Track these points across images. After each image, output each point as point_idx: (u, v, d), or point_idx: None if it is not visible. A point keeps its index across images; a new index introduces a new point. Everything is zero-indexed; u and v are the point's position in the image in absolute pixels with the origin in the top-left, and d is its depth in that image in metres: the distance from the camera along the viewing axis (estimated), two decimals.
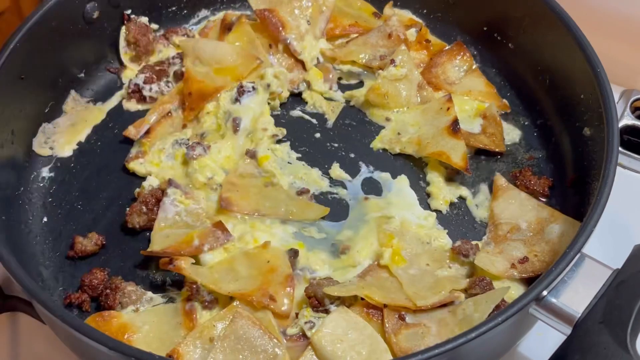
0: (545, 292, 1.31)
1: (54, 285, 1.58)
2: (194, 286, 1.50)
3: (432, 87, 1.88)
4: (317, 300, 1.48)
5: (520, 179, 1.70)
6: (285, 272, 1.52)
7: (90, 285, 1.54)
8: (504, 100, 1.88)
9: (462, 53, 1.93)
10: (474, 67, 1.94)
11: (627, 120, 1.93)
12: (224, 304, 1.50)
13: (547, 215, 1.60)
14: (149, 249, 1.57)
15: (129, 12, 1.96)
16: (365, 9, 2.07)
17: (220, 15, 2.06)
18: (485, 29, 1.96)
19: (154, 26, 2.01)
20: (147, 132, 1.81)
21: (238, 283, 1.51)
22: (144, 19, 1.98)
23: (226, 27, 1.95)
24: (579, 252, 1.34)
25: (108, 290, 1.52)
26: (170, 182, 1.67)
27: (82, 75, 1.91)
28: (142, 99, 1.90)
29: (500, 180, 1.70)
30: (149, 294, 1.55)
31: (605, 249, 1.46)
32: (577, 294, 1.33)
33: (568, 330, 1.32)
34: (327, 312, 1.47)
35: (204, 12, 2.08)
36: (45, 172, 1.76)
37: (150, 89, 1.89)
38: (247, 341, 1.40)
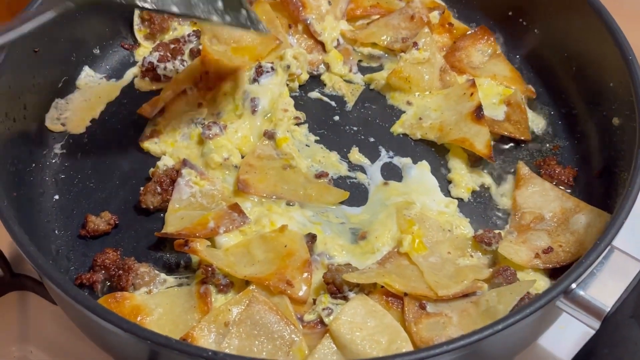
0: (574, 285, 1.27)
1: (66, 264, 1.54)
2: (209, 269, 1.46)
3: (455, 71, 1.84)
4: (336, 287, 1.44)
5: (544, 168, 1.66)
6: (303, 257, 1.49)
7: (103, 265, 1.50)
8: (529, 86, 1.84)
9: (486, 37, 1.89)
10: (498, 51, 1.89)
11: None
12: (239, 287, 1.47)
13: (572, 206, 1.56)
14: (163, 231, 1.53)
15: None
16: None
17: None
18: (510, 13, 1.92)
19: None
20: (162, 111, 1.76)
21: (254, 267, 1.48)
22: None
23: None
24: (609, 245, 1.30)
25: (121, 271, 1.49)
26: (184, 163, 1.63)
27: (97, 51, 1.88)
28: (156, 78, 1.85)
29: (524, 169, 1.65)
30: (162, 275, 1.51)
31: (634, 241, 1.41)
32: (606, 287, 1.29)
33: (596, 324, 1.28)
34: (345, 299, 1.44)
35: None
36: (57, 149, 1.72)
37: (165, 68, 1.84)
38: (264, 327, 1.37)
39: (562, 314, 1.38)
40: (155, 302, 1.46)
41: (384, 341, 1.36)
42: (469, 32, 1.94)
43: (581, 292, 1.28)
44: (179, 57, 1.86)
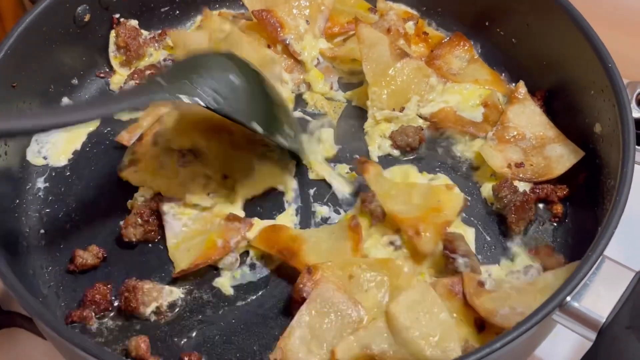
0: (568, 298, 1.28)
1: (55, 301, 1.53)
2: (370, 194, 1.59)
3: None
4: (451, 247, 1.51)
5: None
6: (447, 217, 1.56)
7: (93, 300, 1.48)
8: (512, 85, 1.85)
9: (462, 42, 1.91)
10: (475, 56, 1.91)
11: (635, 113, 1.89)
12: None
13: (553, 135, 1.70)
14: (176, 271, 1.53)
15: (117, 15, 1.90)
16: (360, 5, 2.02)
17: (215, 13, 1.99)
18: (487, 23, 1.92)
19: (144, 32, 1.94)
20: (141, 138, 1.73)
21: (403, 206, 1.57)
22: (134, 22, 1.92)
23: None
24: (601, 255, 1.30)
25: (127, 293, 1.48)
26: (161, 199, 1.62)
27: (75, 81, 1.86)
28: None
29: (523, 88, 1.76)
30: (167, 287, 1.51)
31: (624, 250, 1.42)
32: (600, 297, 1.30)
33: (593, 335, 1.28)
34: (453, 263, 1.49)
35: (197, 14, 2.02)
36: (40, 183, 1.70)
37: None
38: (333, 305, 1.41)
39: (556, 326, 1.39)
40: (309, 234, 1.57)
41: (436, 338, 1.37)
42: (445, 40, 1.94)
43: (575, 304, 1.29)
44: None
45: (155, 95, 1.44)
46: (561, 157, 1.65)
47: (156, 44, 1.92)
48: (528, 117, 1.72)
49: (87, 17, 1.81)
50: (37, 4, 1.69)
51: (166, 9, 1.99)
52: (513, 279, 1.51)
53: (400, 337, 1.37)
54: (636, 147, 1.79)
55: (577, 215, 1.62)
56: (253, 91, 1.58)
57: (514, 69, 1.88)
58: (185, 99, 1.44)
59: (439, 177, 1.70)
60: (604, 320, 1.27)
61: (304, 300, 1.42)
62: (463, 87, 1.82)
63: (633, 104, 1.91)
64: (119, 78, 1.89)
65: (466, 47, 1.91)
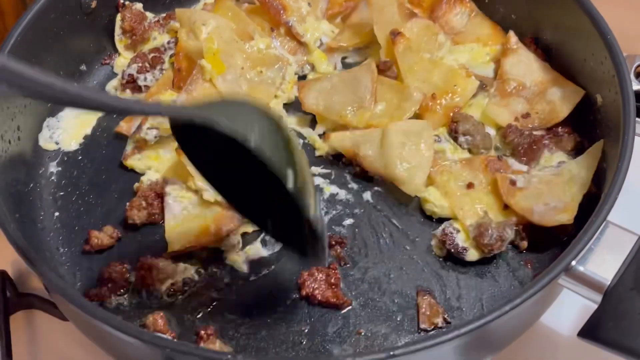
0: (573, 262, 1.31)
1: (72, 281, 1.56)
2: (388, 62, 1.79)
3: None
4: (455, 126, 1.69)
5: None
6: (457, 102, 1.72)
7: (110, 278, 1.52)
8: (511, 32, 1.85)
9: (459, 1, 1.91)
10: (475, 11, 1.92)
11: (634, 85, 1.92)
12: None
13: (552, 78, 1.74)
14: (169, 250, 1.56)
15: None
16: None
17: None
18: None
19: (149, 15, 1.97)
20: (140, 126, 1.74)
21: (421, 83, 1.74)
22: (139, 6, 1.94)
23: None
24: (604, 220, 1.34)
25: (142, 271, 1.51)
26: (165, 181, 1.65)
27: (83, 67, 1.89)
28: (137, 89, 1.86)
29: (513, 38, 1.79)
30: (181, 265, 1.55)
31: (624, 215, 1.45)
32: (605, 261, 1.33)
33: (598, 298, 1.32)
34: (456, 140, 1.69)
35: None
36: (53, 167, 1.73)
37: (145, 79, 1.85)
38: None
39: (561, 291, 1.43)
40: None
41: (409, 165, 1.63)
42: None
43: (581, 268, 1.33)
44: (159, 67, 1.87)
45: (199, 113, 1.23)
46: (563, 99, 1.69)
47: (161, 28, 1.95)
48: (525, 66, 1.76)
49: (94, 4, 1.84)
50: None
51: None
52: (541, 173, 1.60)
53: (384, 150, 1.62)
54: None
55: None
56: (283, 140, 1.27)
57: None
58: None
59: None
60: (609, 282, 1.31)
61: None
62: (469, 47, 1.87)
63: (632, 77, 1.94)
64: (123, 61, 1.92)
65: (464, 2, 1.91)
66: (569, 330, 1.61)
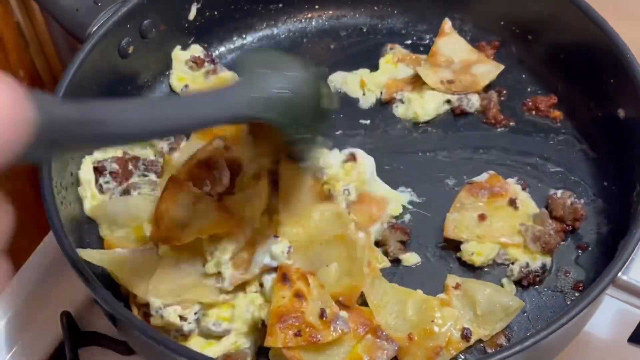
0: (620, 274, 1.40)
1: None
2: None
3: None
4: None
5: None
6: (439, 341, 1.46)
7: None
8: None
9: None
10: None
11: None
12: None
13: (476, 58, 1.96)
14: None
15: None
16: None
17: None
18: (502, 23, 2.01)
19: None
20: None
21: (396, 321, 1.51)
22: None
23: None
24: None
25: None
26: None
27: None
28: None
29: (448, 24, 2.00)
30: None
31: None
32: None
33: None
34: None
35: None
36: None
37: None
38: None
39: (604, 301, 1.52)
40: None
41: None
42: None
43: (625, 278, 1.42)
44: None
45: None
46: (485, 72, 1.92)
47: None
48: (454, 47, 1.98)
49: (130, 49, 1.89)
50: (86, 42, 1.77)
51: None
52: None
53: None
54: None
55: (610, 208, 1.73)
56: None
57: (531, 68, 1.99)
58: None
59: None
60: None
61: None
62: None
63: None
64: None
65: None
66: (609, 335, 1.70)
